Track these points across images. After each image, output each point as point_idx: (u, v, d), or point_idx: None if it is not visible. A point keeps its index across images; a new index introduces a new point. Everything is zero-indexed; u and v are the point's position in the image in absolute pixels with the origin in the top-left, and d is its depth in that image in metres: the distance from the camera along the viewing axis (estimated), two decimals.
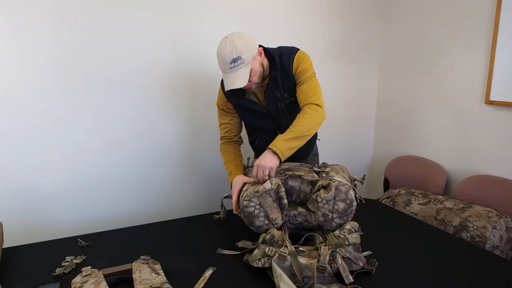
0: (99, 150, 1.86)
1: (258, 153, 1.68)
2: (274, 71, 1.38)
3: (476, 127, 1.97)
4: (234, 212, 1.34)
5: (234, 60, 1.25)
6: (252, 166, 1.50)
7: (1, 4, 1.56)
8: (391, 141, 2.56)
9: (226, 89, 1.31)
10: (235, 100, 1.48)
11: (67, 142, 1.78)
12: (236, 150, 1.56)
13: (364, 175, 1.47)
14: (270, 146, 1.29)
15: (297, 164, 1.44)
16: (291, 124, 1.34)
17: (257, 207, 1.22)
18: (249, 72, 1.30)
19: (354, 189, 1.31)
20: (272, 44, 1.76)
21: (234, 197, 1.32)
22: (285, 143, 1.28)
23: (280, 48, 1.45)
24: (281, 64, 1.39)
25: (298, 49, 1.43)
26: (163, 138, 2.01)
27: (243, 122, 1.62)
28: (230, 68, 1.26)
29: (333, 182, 1.23)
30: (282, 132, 1.36)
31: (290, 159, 1.52)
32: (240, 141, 1.62)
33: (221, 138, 1.60)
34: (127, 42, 1.81)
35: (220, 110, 1.56)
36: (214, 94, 2.05)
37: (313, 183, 1.31)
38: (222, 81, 1.48)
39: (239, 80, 1.28)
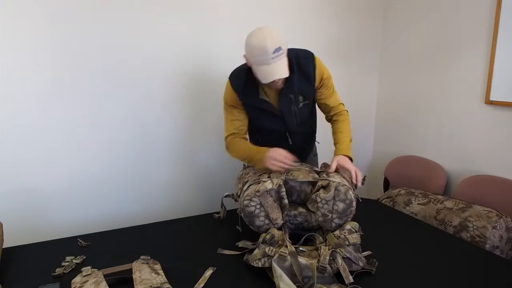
0: (99, 150, 1.86)
1: None
2: (291, 73, 1.35)
3: (476, 127, 1.97)
4: (289, 164, 1.29)
5: (277, 50, 1.22)
6: (252, 166, 1.50)
7: (3, 3, 1.56)
8: (391, 141, 2.56)
9: (269, 80, 1.26)
10: (247, 100, 1.43)
11: (67, 142, 1.78)
12: (248, 143, 1.51)
13: (365, 176, 1.47)
14: (346, 154, 1.38)
15: (298, 164, 1.44)
16: (299, 124, 1.48)
17: (258, 206, 1.22)
18: (287, 63, 1.28)
19: (353, 189, 1.31)
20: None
21: (288, 162, 1.29)
22: (349, 149, 1.42)
23: (293, 50, 1.41)
24: (298, 67, 1.38)
25: (312, 53, 1.43)
26: (164, 138, 2.01)
27: (249, 121, 1.56)
28: (272, 58, 1.22)
29: (333, 182, 1.23)
30: (291, 134, 1.50)
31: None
32: (247, 139, 1.57)
33: (230, 135, 1.50)
34: (127, 42, 1.81)
35: (229, 107, 1.49)
36: (214, 94, 2.07)
37: (313, 183, 1.31)
38: (232, 77, 1.45)
39: (281, 70, 1.25)
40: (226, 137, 1.51)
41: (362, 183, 1.39)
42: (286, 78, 1.35)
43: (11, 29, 1.59)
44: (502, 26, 1.77)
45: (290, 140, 1.54)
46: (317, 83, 1.45)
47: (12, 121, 1.66)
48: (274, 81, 1.29)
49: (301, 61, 1.39)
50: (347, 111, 1.56)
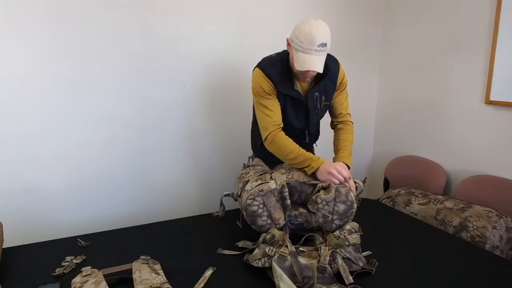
0: (99, 149, 1.86)
1: (266, 155, 1.54)
2: (324, 72, 1.37)
3: (476, 127, 1.97)
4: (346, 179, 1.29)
5: (323, 45, 1.25)
6: (253, 165, 1.50)
7: (3, 2, 1.56)
8: (391, 141, 2.56)
9: (304, 68, 1.27)
10: (284, 89, 1.42)
11: (67, 142, 1.78)
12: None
13: (366, 178, 1.47)
14: (345, 162, 1.39)
15: None
16: (317, 128, 1.59)
17: (261, 206, 1.21)
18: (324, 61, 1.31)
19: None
20: (272, 44, 1.77)
21: (350, 180, 1.30)
22: (350, 159, 1.45)
23: None
24: (327, 68, 1.39)
25: (334, 56, 1.49)
26: (164, 138, 2.00)
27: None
28: (316, 50, 1.25)
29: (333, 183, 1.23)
30: (309, 131, 1.53)
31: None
32: None
33: (276, 127, 1.41)
34: (127, 42, 1.81)
35: (266, 94, 1.41)
36: (215, 94, 2.07)
37: (314, 184, 1.31)
38: (266, 67, 1.41)
39: (319, 64, 1.28)
40: (269, 127, 1.41)
41: (363, 184, 1.39)
42: (316, 76, 1.40)
43: (14, 28, 1.59)
44: (502, 26, 1.77)
45: (307, 138, 1.55)
46: (338, 83, 1.50)
47: (12, 121, 1.66)
48: (306, 72, 1.32)
49: (329, 63, 1.41)
50: (352, 122, 1.59)
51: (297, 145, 1.39)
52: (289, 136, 1.43)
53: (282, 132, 1.42)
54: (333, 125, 1.61)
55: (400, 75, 2.43)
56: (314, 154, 1.77)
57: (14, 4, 1.58)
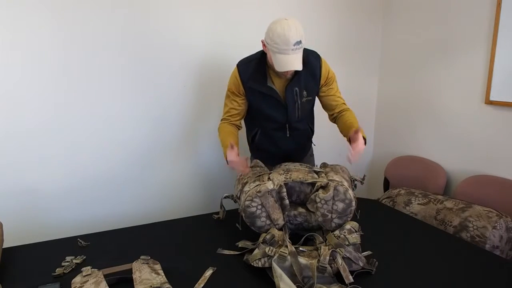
0: (99, 150, 1.86)
1: (257, 149, 1.70)
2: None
3: (476, 127, 1.97)
4: (245, 171, 1.38)
5: (298, 43, 1.28)
6: (251, 167, 1.50)
7: (5, 4, 1.56)
8: (391, 141, 2.56)
9: (284, 69, 1.31)
10: (255, 85, 1.48)
11: (67, 142, 1.78)
12: (234, 130, 1.56)
13: (364, 175, 1.47)
14: (364, 136, 1.38)
15: (297, 164, 1.44)
16: (300, 119, 1.56)
17: (259, 207, 1.21)
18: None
19: (352, 189, 1.31)
20: None
21: (240, 164, 1.36)
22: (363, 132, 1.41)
23: (303, 48, 1.44)
24: (307, 64, 1.42)
25: (318, 54, 1.51)
26: (164, 138, 2.01)
27: (248, 112, 1.61)
28: (292, 49, 1.28)
29: (332, 182, 1.23)
30: (290, 126, 1.56)
31: (291, 159, 1.54)
32: (239, 126, 1.62)
33: (223, 119, 1.58)
34: (128, 43, 1.81)
35: (231, 93, 1.54)
36: (215, 94, 2.07)
37: (312, 183, 1.31)
38: (240, 65, 1.50)
39: (297, 62, 1.32)
40: (222, 118, 1.59)
41: (362, 182, 1.39)
42: (295, 72, 1.43)
43: (16, 29, 1.59)
44: (502, 26, 1.77)
45: (288, 132, 1.58)
46: (322, 81, 1.52)
47: (12, 121, 1.66)
48: (286, 71, 1.35)
49: (310, 59, 1.46)
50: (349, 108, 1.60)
51: (227, 136, 1.49)
52: (270, 129, 1.58)
53: (226, 123, 1.56)
54: (332, 118, 1.63)
55: (400, 75, 2.43)
56: (310, 153, 1.79)
57: (15, 4, 1.58)
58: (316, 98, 1.60)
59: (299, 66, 1.32)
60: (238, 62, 1.52)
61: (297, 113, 1.53)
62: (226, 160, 1.39)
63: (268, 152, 1.67)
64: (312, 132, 1.72)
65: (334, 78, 1.57)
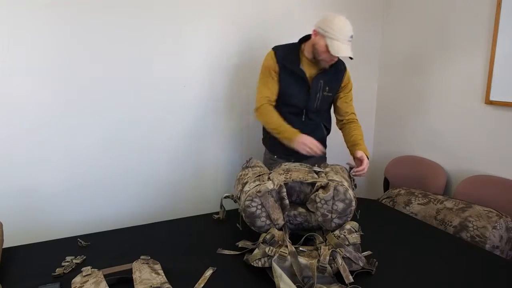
0: (99, 150, 1.86)
1: (272, 146, 1.79)
2: (331, 66, 1.64)
3: (476, 127, 1.97)
4: (318, 152, 1.53)
5: (351, 36, 1.53)
6: (252, 166, 1.50)
7: (5, 4, 1.56)
8: (391, 141, 2.56)
9: (339, 53, 1.51)
10: (289, 65, 1.63)
11: (67, 142, 1.78)
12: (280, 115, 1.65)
13: (355, 184, 1.47)
14: (365, 153, 1.59)
15: (297, 164, 1.44)
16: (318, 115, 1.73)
17: (259, 207, 1.21)
18: None
19: (352, 189, 1.31)
20: (272, 44, 1.77)
21: (316, 144, 1.51)
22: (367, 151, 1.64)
23: None
24: (336, 65, 1.66)
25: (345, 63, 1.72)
26: (164, 138, 2.01)
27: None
28: (348, 40, 1.52)
29: (332, 182, 1.23)
30: (307, 113, 1.69)
31: (306, 156, 1.57)
32: None
33: (265, 99, 1.65)
34: (128, 42, 1.81)
35: (266, 75, 1.65)
36: (215, 94, 2.07)
37: (312, 183, 1.31)
38: (277, 48, 1.66)
39: (349, 51, 1.53)
40: (260, 100, 1.66)
41: (353, 188, 1.41)
42: (325, 68, 1.62)
43: (13, 28, 1.59)
44: (502, 26, 1.77)
45: (303, 117, 1.70)
46: (343, 83, 1.71)
47: (12, 122, 1.66)
48: (332, 58, 1.56)
49: (339, 63, 1.68)
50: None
51: (282, 120, 1.61)
52: (287, 112, 1.67)
53: (271, 106, 1.66)
54: (341, 124, 1.76)
55: (400, 75, 2.43)
56: (325, 146, 1.81)
57: (15, 4, 1.58)
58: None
59: (350, 53, 1.52)
60: (273, 47, 1.68)
61: (316, 103, 1.67)
62: (290, 141, 1.54)
63: (281, 150, 1.71)
64: (327, 131, 1.81)
65: (352, 88, 1.75)
